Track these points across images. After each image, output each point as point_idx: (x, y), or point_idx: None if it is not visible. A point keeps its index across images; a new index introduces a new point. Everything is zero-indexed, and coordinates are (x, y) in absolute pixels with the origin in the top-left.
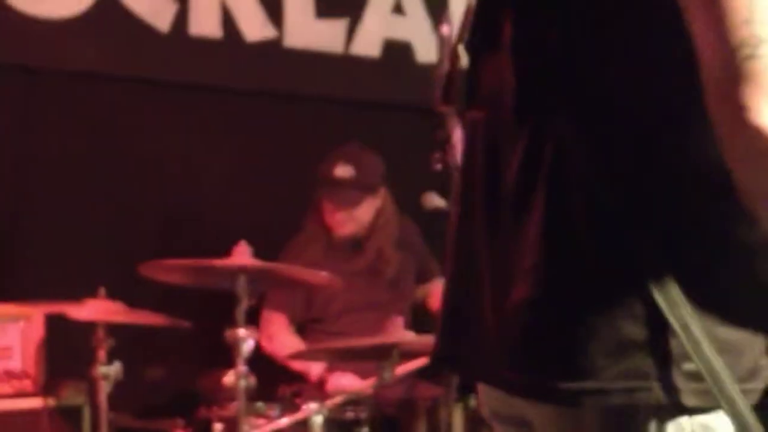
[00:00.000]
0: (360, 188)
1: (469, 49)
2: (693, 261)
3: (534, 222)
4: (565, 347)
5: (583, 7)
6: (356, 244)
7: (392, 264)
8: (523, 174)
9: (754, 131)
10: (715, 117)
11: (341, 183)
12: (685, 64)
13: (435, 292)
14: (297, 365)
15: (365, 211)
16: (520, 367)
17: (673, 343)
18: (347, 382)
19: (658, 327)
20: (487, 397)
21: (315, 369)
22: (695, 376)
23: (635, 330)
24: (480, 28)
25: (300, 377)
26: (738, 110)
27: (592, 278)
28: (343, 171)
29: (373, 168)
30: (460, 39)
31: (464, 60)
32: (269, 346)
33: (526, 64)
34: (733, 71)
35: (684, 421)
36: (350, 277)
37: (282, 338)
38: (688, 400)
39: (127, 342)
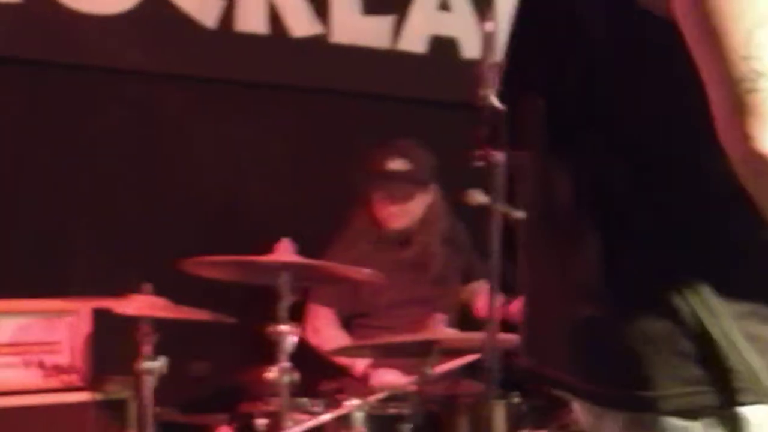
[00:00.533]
0: (413, 182)
1: (504, 98)
2: (730, 274)
3: (587, 248)
4: (627, 361)
5: (599, 40)
6: (404, 239)
7: (438, 259)
8: (569, 204)
9: (758, 158)
10: (723, 144)
11: (394, 176)
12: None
13: (481, 299)
14: (342, 360)
15: (417, 205)
16: (589, 378)
17: (721, 350)
18: (391, 378)
19: (707, 337)
20: None
21: (360, 364)
22: (744, 377)
23: (687, 342)
24: (513, 74)
25: (344, 373)
26: (743, 139)
27: (643, 298)
28: (396, 164)
29: (426, 163)
30: (495, 90)
31: (500, 107)
32: (315, 340)
33: (553, 100)
34: (736, 104)
35: (740, 412)
36: (397, 272)
37: (327, 332)
38: (741, 398)
39: (172, 337)
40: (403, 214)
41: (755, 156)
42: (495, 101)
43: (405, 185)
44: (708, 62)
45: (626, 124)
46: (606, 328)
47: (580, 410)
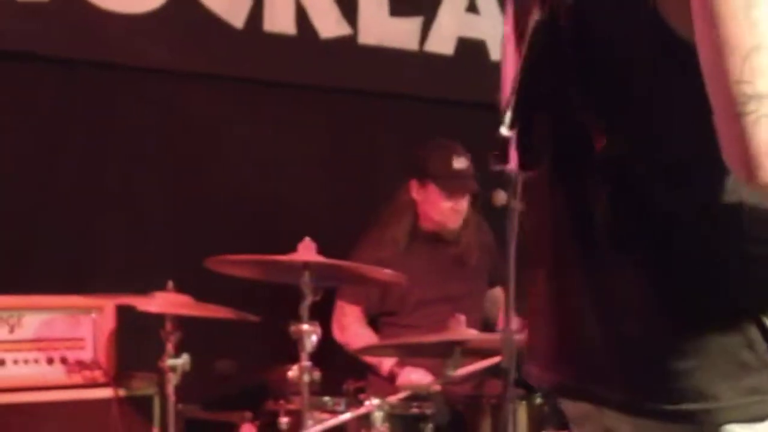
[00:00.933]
0: (472, 180)
1: (515, 123)
2: None
3: (633, 266)
4: (687, 376)
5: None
6: (450, 237)
7: (475, 256)
8: (606, 223)
9: (759, 188)
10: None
11: (460, 175)
12: None
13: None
14: (369, 358)
15: (467, 203)
16: (644, 395)
17: None
18: (417, 377)
19: None
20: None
21: (386, 363)
22: None
23: (750, 355)
24: (526, 97)
25: (369, 371)
26: (740, 168)
27: (700, 313)
28: (460, 163)
29: (471, 161)
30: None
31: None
32: (341, 337)
33: (561, 120)
34: (728, 128)
35: None
36: (431, 271)
37: (354, 329)
38: None
39: (196, 334)
40: (462, 211)
41: (756, 187)
42: (503, 129)
43: (467, 183)
44: (709, 86)
45: (665, 140)
46: (661, 345)
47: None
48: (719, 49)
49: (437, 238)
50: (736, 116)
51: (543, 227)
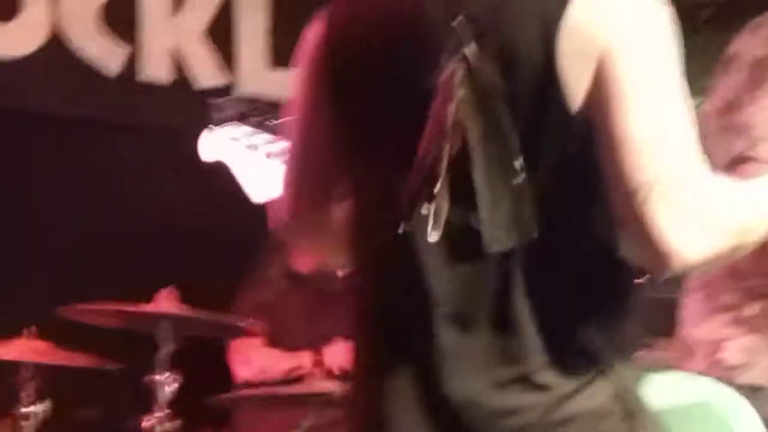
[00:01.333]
0: None
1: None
2: (628, 355)
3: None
4: None
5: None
6: (323, 277)
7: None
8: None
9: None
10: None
11: None
12: None
13: None
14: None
15: None
16: None
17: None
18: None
19: (627, 415)
20: None
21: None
22: None
23: (607, 423)
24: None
25: (229, 418)
26: (645, 257)
27: (570, 385)
28: None
29: None
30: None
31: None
32: (247, 373)
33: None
34: (629, 217)
35: None
36: (307, 314)
37: (259, 355)
38: None
39: (60, 380)
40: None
41: (667, 272)
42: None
43: None
44: (608, 175)
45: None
46: (528, 417)
47: None
48: (621, 138)
49: (314, 279)
50: (635, 204)
51: (397, 291)
